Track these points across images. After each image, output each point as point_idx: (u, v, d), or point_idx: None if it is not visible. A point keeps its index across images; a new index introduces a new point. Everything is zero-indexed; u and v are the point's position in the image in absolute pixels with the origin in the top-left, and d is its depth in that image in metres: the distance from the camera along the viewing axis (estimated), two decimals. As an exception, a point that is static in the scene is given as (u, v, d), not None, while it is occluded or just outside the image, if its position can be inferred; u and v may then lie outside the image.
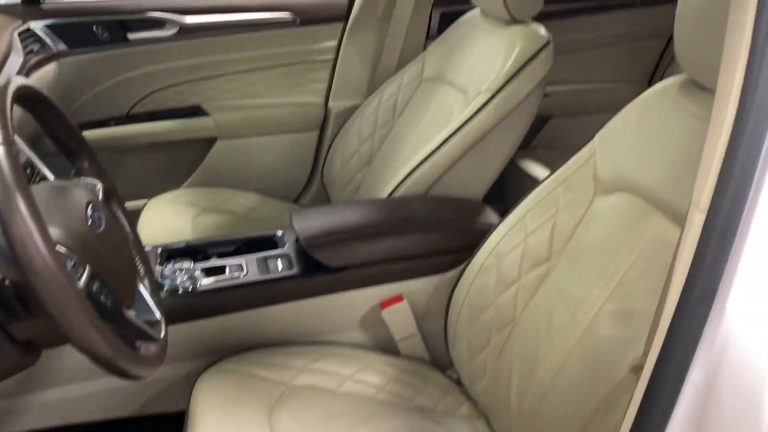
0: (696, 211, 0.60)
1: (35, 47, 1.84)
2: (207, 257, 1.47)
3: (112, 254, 0.89)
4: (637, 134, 1.09)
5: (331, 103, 2.21)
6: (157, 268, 1.33)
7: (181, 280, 1.32)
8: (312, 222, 1.40)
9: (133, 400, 1.33)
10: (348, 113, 2.08)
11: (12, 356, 0.81)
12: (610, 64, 2.35)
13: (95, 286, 0.82)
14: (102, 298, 0.82)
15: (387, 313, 1.40)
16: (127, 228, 1.08)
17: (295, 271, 1.38)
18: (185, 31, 2.05)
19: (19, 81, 0.86)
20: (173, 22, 2.04)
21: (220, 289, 1.32)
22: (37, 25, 1.93)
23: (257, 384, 1.22)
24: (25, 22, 1.89)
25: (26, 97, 0.91)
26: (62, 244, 0.79)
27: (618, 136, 1.13)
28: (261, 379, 1.24)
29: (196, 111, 2.15)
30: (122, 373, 0.80)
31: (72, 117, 1.97)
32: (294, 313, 1.37)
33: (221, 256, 1.47)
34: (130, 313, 0.90)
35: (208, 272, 1.38)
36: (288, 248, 1.45)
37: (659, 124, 1.04)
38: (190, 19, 2.04)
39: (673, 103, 1.02)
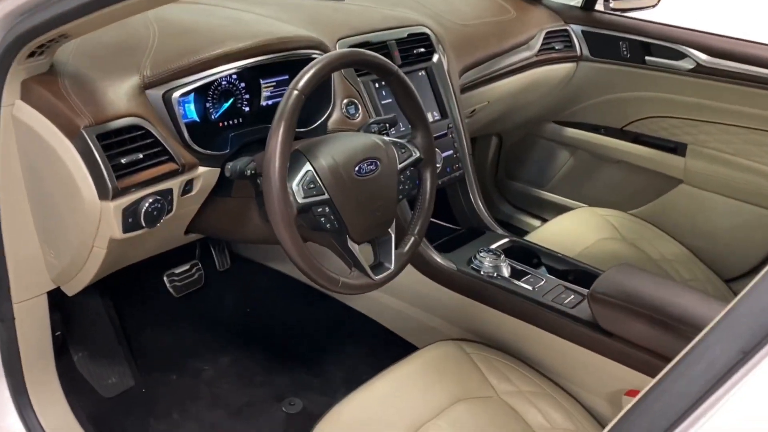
0: None
1: (558, 45, 2.20)
2: (536, 264, 1.67)
3: (364, 200, 1.24)
4: None
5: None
6: (482, 254, 1.61)
7: (486, 265, 1.58)
8: (619, 277, 1.44)
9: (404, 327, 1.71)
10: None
11: (259, 227, 1.28)
12: None
13: (323, 210, 1.19)
14: (323, 220, 1.20)
15: (626, 401, 1.38)
16: (427, 194, 1.38)
17: (571, 310, 1.47)
18: (701, 69, 2.09)
19: (365, 56, 1.25)
20: (692, 58, 2.10)
21: (504, 288, 1.53)
22: (576, 29, 2.27)
23: (471, 373, 1.43)
24: (566, 23, 2.26)
25: (381, 69, 1.29)
26: (316, 170, 1.18)
27: None
28: (478, 372, 1.44)
29: (676, 148, 2.20)
30: (306, 274, 1.17)
31: (571, 115, 2.33)
32: (547, 344, 1.48)
33: (549, 269, 1.65)
34: (353, 245, 1.25)
35: (513, 270, 1.59)
36: (592, 291, 1.53)
37: None
38: (709, 60, 2.07)
39: None
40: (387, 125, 1.46)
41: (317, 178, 1.19)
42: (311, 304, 1.92)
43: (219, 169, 1.33)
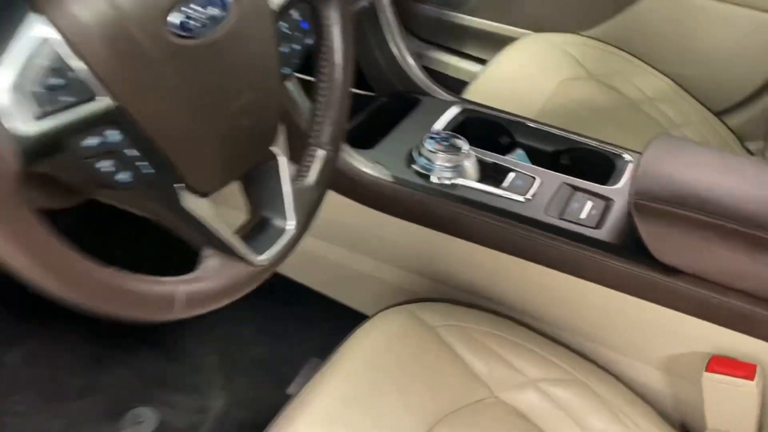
0: None
1: None
2: (508, 146, 1.01)
3: (206, 95, 0.51)
4: None
5: None
6: (428, 144, 0.91)
7: (440, 165, 0.90)
8: (672, 165, 0.82)
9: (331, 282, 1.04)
10: None
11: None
12: None
13: (104, 142, 0.45)
14: (109, 165, 0.46)
15: (711, 380, 0.80)
16: (339, 56, 0.66)
17: (596, 231, 0.84)
18: None
19: None
20: None
21: (476, 204, 0.87)
22: None
23: (445, 363, 0.82)
24: None
25: None
26: (67, 37, 0.42)
27: None
28: (454, 358, 0.82)
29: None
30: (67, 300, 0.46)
31: None
32: (562, 292, 0.86)
33: (531, 152, 1.00)
34: (194, 202, 0.52)
35: (484, 170, 0.92)
36: (617, 190, 0.91)
37: None
38: None
39: None
40: None
41: (69, 61, 0.44)
42: (161, 241, 1.16)
43: None
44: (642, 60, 1.55)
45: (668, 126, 1.44)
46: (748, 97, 1.54)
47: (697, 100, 1.53)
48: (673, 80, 1.53)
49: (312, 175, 0.66)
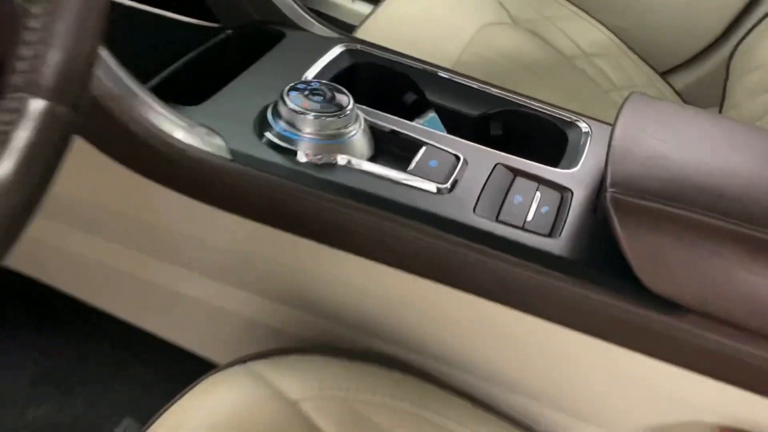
0: None
1: None
2: (416, 106, 0.69)
3: None
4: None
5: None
6: (291, 100, 0.57)
7: (308, 132, 0.56)
8: (666, 138, 0.54)
9: (144, 309, 0.68)
10: None
11: None
12: None
13: None
14: None
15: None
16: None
17: (556, 245, 0.54)
18: None
19: None
20: None
21: (373, 198, 0.54)
22: None
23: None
24: None
25: None
26: None
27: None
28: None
29: None
30: None
31: None
32: (501, 332, 0.57)
33: (447, 116, 0.68)
34: None
35: (380, 144, 0.60)
36: (576, 176, 0.60)
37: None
38: None
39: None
40: None
41: None
42: None
43: None
44: (577, 6, 1.27)
45: (608, 88, 1.19)
46: (698, 54, 1.30)
47: (640, 57, 1.28)
48: (612, 32, 1.26)
49: (12, 158, 0.31)
